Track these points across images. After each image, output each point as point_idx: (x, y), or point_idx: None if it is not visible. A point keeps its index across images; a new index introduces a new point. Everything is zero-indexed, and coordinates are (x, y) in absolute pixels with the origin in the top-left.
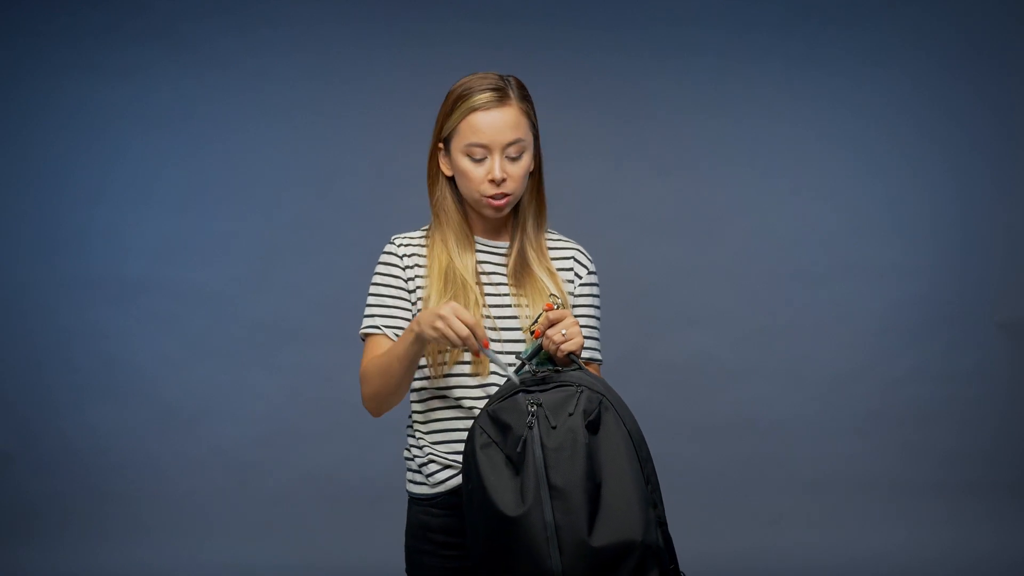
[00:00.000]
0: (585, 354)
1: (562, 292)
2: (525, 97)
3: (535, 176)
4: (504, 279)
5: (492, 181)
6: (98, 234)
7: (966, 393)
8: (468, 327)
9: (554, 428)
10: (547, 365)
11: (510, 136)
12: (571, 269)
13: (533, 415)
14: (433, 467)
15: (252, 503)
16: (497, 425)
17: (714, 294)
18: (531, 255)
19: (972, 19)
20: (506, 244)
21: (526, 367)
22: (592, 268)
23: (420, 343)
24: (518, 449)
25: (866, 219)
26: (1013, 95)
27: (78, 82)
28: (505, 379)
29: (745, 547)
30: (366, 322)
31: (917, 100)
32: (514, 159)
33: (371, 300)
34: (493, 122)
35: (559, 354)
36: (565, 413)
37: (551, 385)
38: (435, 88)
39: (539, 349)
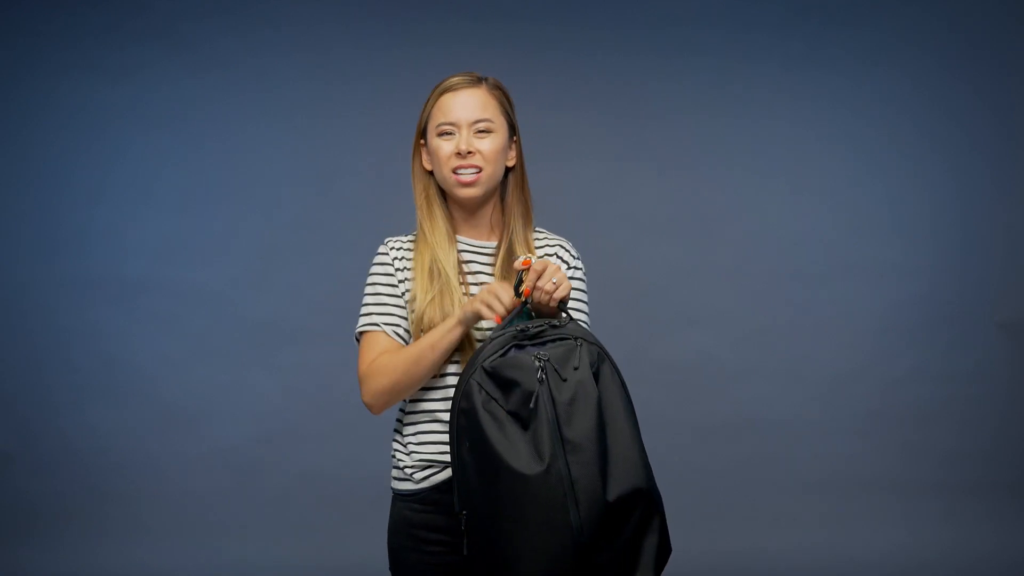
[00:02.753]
0: None
1: None
2: (499, 88)
3: (518, 174)
4: (488, 279)
5: (458, 154)
6: (98, 234)
7: (966, 393)
8: (509, 302)
9: (564, 381)
10: (526, 319)
11: (477, 114)
12: None
13: (543, 369)
14: (417, 467)
15: (252, 503)
16: (497, 381)
17: (714, 294)
18: (519, 252)
19: (972, 19)
20: (493, 244)
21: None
22: (575, 263)
23: (461, 327)
24: (531, 405)
25: (866, 219)
26: (1013, 95)
27: (78, 82)
28: (486, 339)
29: (745, 547)
30: (363, 321)
31: (917, 100)
32: (482, 135)
33: (367, 300)
34: (461, 101)
35: (551, 303)
36: (571, 366)
37: (548, 339)
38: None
39: (521, 309)
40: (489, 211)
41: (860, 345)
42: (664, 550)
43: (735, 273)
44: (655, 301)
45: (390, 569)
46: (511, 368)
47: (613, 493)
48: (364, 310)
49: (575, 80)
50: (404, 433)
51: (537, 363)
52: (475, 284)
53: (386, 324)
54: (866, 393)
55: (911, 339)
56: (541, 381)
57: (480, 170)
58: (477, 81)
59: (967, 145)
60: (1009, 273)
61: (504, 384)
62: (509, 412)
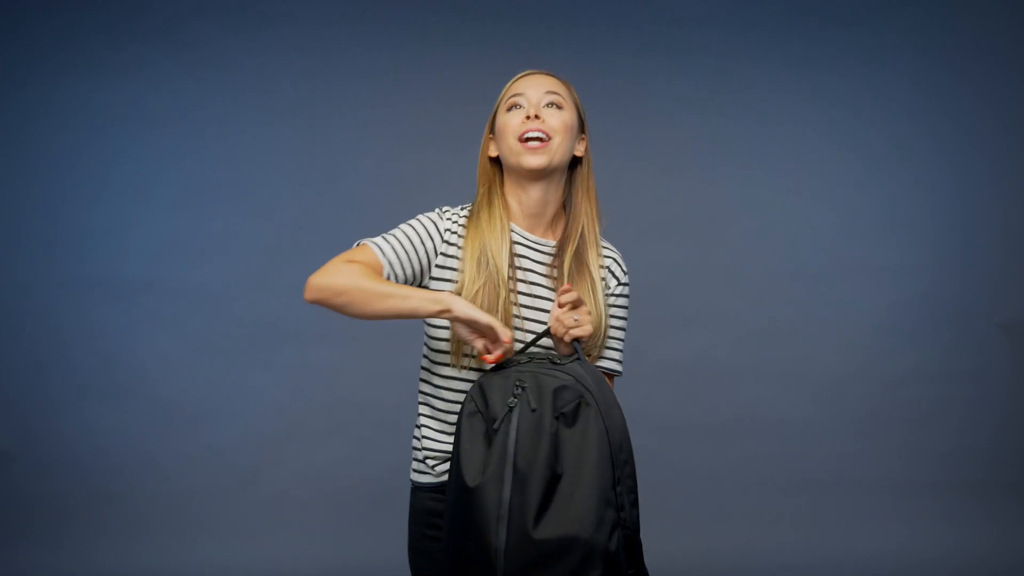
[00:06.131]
0: (604, 364)
1: (599, 291)
2: (571, 87)
3: (585, 169)
4: (541, 278)
5: (527, 118)
6: (98, 234)
7: (966, 393)
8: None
9: (533, 411)
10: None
11: (546, 88)
12: (604, 279)
13: (516, 396)
14: (437, 459)
15: (252, 503)
16: (484, 396)
17: (714, 294)
18: (590, 253)
19: (972, 19)
20: (550, 243)
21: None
22: (624, 280)
23: (433, 313)
24: (495, 425)
25: (866, 219)
26: (1013, 95)
27: (78, 82)
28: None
29: (745, 547)
30: (373, 240)
31: (917, 100)
32: (551, 107)
33: (392, 232)
34: (532, 79)
35: (566, 338)
36: (543, 400)
37: (544, 370)
38: (436, 88)
39: (543, 335)
40: (551, 208)
41: (860, 345)
42: None
43: (735, 273)
44: (655, 301)
45: (408, 557)
46: (493, 388)
47: (545, 533)
48: (382, 236)
49: (575, 80)
50: (424, 426)
51: (516, 389)
52: (523, 281)
53: (390, 260)
54: (866, 393)
55: (911, 339)
56: (511, 407)
57: (548, 139)
58: (549, 72)
59: (967, 145)
60: (1009, 273)
61: (487, 400)
62: (486, 427)
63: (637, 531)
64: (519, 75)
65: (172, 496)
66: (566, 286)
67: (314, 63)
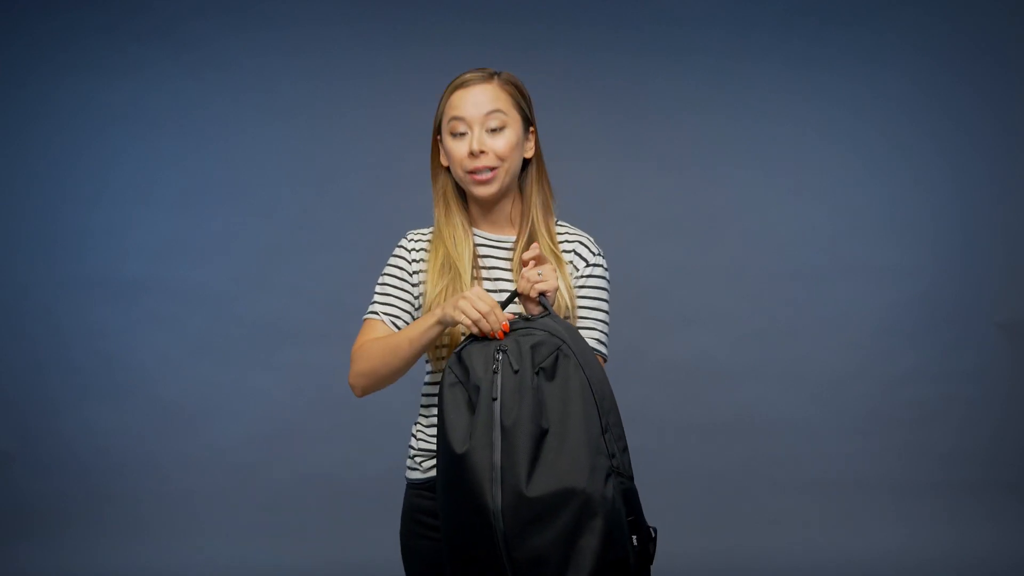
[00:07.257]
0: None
1: (566, 276)
2: (512, 83)
3: (536, 165)
4: (505, 274)
5: (471, 154)
6: (98, 234)
7: (966, 393)
8: (487, 309)
9: (516, 372)
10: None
11: (487, 107)
12: (571, 262)
13: (498, 360)
14: (425, 455)
15: (252, 503)
16: (463, 366)
17: (714, 294)
18: (541, 241)
19: (972, 19)
20: (511, 238)
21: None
22: (594, 260)
23: (439, 327)
24: (480, 390)
25: (866, 219)
26: (1013, 95)
27: (78, 82)
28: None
29: (745, 547)
30: (370, 308)
31: (917, 100)
32: (494, 132)
33: (377, 289)
34: (472, 97)
35: (532, 293)
36: (525, 359)
37: (516, 328)
38: (436, 88)
39: (512, 297)
40: (508, 205)
41: (860, 345)
42: (612, 556)
43: (735, 273)
44: (655, 301)
45: (402, 555)
46: (471, 355)
47: (538, 489)
48: (373, 298)
49: (575, 80)
50: (417, 423)
51: (496, 354)
52: (489, 279)
53: (385, 314)
54: (866, 393)
55: (911, 339)
56: (495, 371)
57: (494, 168)
58: (489, 76)
59: (967, 145)
60: (1009, 273)
61: (466, 369)
62: (469, 396)
63: (631, 477)
64: (457, 84)
65: (172, 496)
66: (533, 244)
67: (314, 63)
